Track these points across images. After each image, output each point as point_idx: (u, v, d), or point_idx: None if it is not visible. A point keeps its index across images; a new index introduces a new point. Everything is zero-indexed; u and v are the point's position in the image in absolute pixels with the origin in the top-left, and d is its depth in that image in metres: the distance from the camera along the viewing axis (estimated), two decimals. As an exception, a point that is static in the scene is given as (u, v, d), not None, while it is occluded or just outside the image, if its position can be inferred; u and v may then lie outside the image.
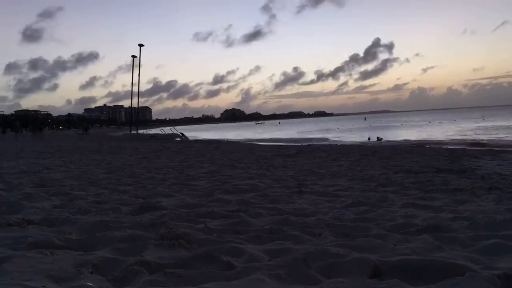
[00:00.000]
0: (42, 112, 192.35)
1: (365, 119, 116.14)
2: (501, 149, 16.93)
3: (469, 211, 4.99)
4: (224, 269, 2.87)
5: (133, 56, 46.32)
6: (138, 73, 45.83)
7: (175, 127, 52.80)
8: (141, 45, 46.00)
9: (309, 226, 4.23)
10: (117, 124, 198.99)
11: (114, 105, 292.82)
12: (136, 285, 2.63)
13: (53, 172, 9.88)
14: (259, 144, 28.22)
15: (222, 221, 4.51)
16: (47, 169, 10.59)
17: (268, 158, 14.16)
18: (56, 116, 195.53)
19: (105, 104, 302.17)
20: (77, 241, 3.66)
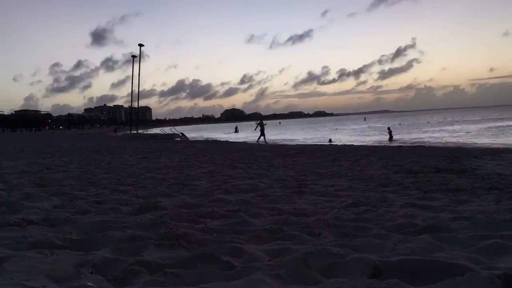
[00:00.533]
0: (42, 112, 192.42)
1: (364, 119, 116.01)
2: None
3: (469, 211, 4.99)
4: (224, 269, 2.87)
5: (133, 56, 46.35)
6: (138, 73, 45.87)
7: (175, 127, 52.82)
8: (141, 45, 46.00)
9: (309, 226, 4.23)
10: (117, 124, 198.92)
11: (114, 105, 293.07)
12: (136, 285, 2.63)
13: (53, 172, 9.89)
14: (259, 144, 28.21)
15: (222, 221, 4.51)
16: (47, 169, 10.60)
17: (268, 158, 14.16)
18: (56, 116, 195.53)
19: (105, 104, 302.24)
20: (77, 241, 3.66)
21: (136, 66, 45.81)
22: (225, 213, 4.92)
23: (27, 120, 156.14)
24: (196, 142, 33.66)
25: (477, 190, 6.42)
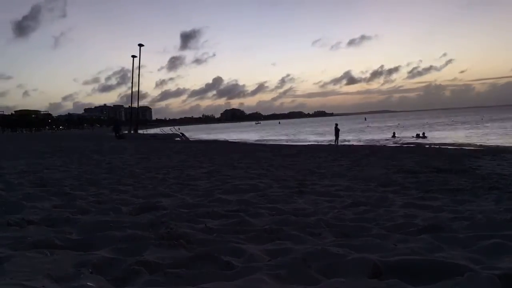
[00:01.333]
0: (42, 112, 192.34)
1: (365, 119, 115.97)
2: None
3: (469, 211, 4.99)
4: (224, 269, 2.87)
5: (133, 56, 46.28)
6: (138, 73, 45.86)
7: (175, 127, 52.86)
8: (140, 45, 45.97)
9: (309, 226, 4.23)
10: (116, 124, 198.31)
11: (114, 105, 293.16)
12: (136, 285, 2.63)
13: (53, 172, 9.88)
14: (259, 144, 28.21)
15: (222, 221, 4.51)
16: (47, 169, 10.59)
17: (268, 158, 14.16)
18: (56, 116, 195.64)
19: (105, 104, 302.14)
20: (77, 241, 3.66)
21: (136, 66, 45.76)
22: (225, 213, 4.91)
23: (26, 120, 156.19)
24: (196, 142, 33.66)
25: (477, 190, 6.42)
